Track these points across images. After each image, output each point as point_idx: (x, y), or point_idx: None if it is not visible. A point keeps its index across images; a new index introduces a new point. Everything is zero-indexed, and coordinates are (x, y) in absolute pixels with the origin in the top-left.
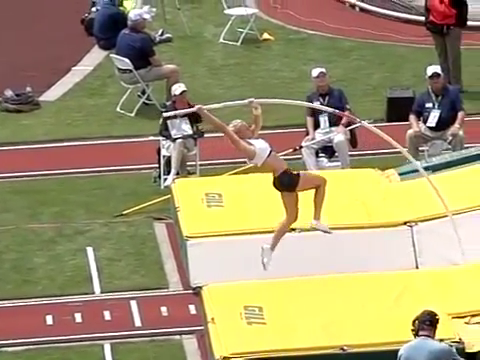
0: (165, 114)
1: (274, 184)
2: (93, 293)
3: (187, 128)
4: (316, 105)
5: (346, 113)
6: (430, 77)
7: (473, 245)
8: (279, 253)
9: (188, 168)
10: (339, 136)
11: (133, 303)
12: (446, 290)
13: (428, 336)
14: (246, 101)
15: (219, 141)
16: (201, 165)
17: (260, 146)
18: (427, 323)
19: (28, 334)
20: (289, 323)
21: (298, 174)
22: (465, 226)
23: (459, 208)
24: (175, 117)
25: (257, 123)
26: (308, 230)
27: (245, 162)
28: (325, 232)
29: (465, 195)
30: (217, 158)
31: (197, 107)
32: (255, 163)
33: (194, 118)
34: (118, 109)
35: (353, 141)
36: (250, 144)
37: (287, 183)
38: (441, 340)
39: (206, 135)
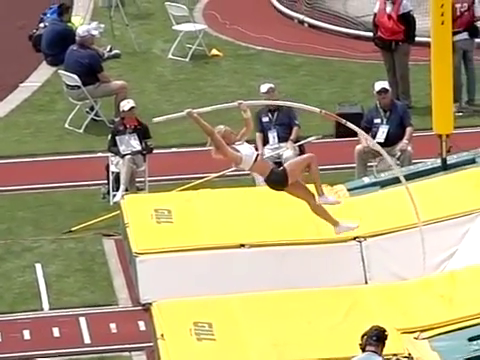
0: (155, 120)
1: (268, 186)
2: (42, 310)
3: (136, 144)
4: (311, 108)
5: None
6: (378, 92)
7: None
8: (229, 269)
9: (137, 184)
10: (288, 152)
11: (82, 320)
12: (395, 305)
13: (374, 352)
14: (235, 103)
15: (168, 157)
16: (150, 181)
17: (246, 152)
18: (374, 338)
19: None
20: (239, 339)
21: (284, 168)
22: (413, 240)
23: (408, 223)
24: (124, 133)
25: (247, 126)
26: (258, 246)
27: (194, 178)
28: (334, 203)
29: (412, 211)
30: (166, 174)
31: (187, 111)
32: (242, 168)
33: (143, 134)
34: (66, 125)
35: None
36: (236, 150)
37: (278, 181)
38: (393, 355)
39: (155, 151)
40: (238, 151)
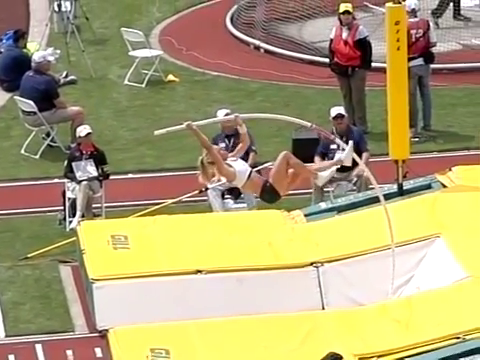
0: (156, 132)
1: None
2: None
3: (92, 170)
4: (302, 122)
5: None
6: (334, 118)
7: (380, 284)
8: (186, 295)
9: (94, 210)
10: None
11: (38, 347)
12: (352, 331)
13: None
14: (232, 116)
15: (125, 183)
16: (107, 207)
17: (239, 169)
18: None
19: None
20: None
21: (270, 184)
22: (370, 266)
23: (364, 249)
24: (80, 159)
25: (243, 141)
26: (215, 272)
27: (150, 204)
28: (332, 174)
29: (369, 235)
30: (123, 200)
31: (186, 123)
32: (235, 185)
33: (99, 160)
34: (23, 151)
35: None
36: (230, 166)
37: (271, 199)
38: None
39: (112, 177)
40: (232, 167)
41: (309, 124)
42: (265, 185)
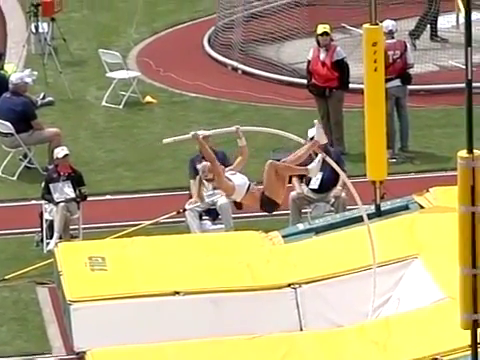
0: (165, 141)
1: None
2: None
3: (70, 191)
4: (297, 138)
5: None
6: (312, 139)
7: (359, 305)
8: (163, 317)
9: (71, 232)
10: (222, 199)
11: None
12: (330, 352)
13: None
14: (233, 128)
15: (102, 204)
16: (84, 229)
17: (238, 182)
18: None
19: None
20: None
21: (266, 196)
22: (348, 287)
23: (342, 270)
24: (58, 181)
25: (243, 154)
26: (192, 293)
27: (128, 226)
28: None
29: (347, 257)
30: (100, 221)
31: (192, 133)
32: (234, 199)
33: (77, 181)
34: (0, 173)
35: (237, 203)
36: (229, 180)
37: (270, 208)
38: None
39: (89, 198)
40: (231, 180)
41: (303, 141)
42: (262, 197)
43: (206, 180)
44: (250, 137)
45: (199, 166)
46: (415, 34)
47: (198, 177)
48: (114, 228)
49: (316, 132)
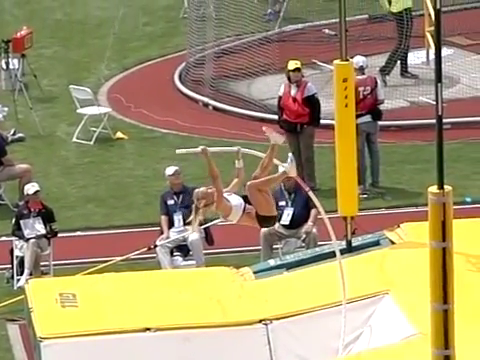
0: (178, 151)
1: None
2: None
3: (40, 228)
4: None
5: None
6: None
7: (330, 341)
8: (134, 353)
9: (42, 268)
10: (194, 235)
11: None
12: None
13: None
14: (235, 148)
15: (73, 240)
16: (55, 265)
17: (235, 203)
18: None
19: None
20: None
21: (260, 214)
22: (319, 323)
23: (313, 306)
24: (28, 217)
25: (239, 176)
26: (163, 329)
27: (99, 262)
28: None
29: (318, 293)
30: (71, 258)
31: (202, 148)
32: (230, 220)
33: (47, 217)
34: None
35: (208, 239)
36: (227, 201)
37: (269, 223)
38: None
39: (60, 234)
40: (229, 201)
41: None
42: (258, 217)
43: (203, 206)
44: (221, 173)
45: (194, 193)
46: (385, 70)
47: (193, 206)
48: (85, 264)
49: (289, 164)
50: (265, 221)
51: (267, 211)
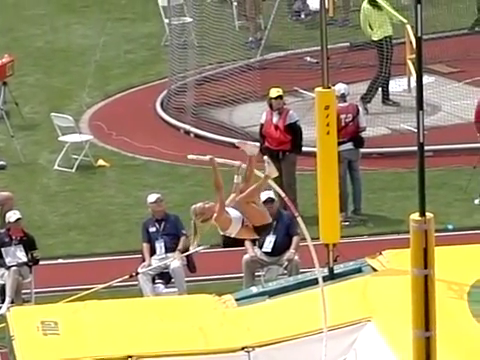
0: (190, 156)
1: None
2: None
3: (22, 255)
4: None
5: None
6: (264, 202)
7: None
8: None
9: (23, 296)
10: (175, 262)
11: None
12: None
13: None
14: (238, 162)
15: (55, 268)
16: (36, 293)
17: (234, 216)
18: None
19: None
20: None
21: (256, 226)
22: (301, 350)
23: (295, 333)
24: (10, 245)
25: (236, 192)
26: (145, 357)
27: (80, 290)
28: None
29: (301, 320)
30: (53, 285)
31: (210, 157)
32: (229, 233)
33: (29, 245)
34: None
35: (191, 266)
36: (227, 213)
37: (268, 230)
38: None
39: (41, 262)
40: (229, 213)
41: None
42: (255, 228)
43: (202, 221)
44: (201, 201)
45: (191, 209)
46: (366, 98)
47: (192, 222)
48: (66, 292)
49: (267, 167)
50: (261, 230)
51: (262, 220)
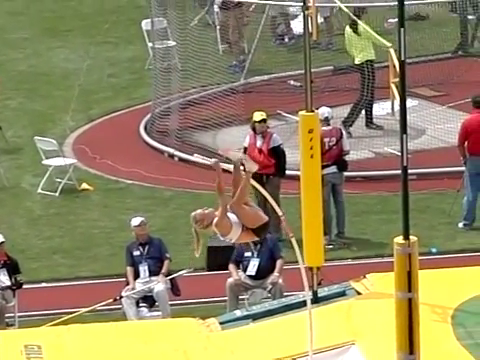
0: (196, 156)
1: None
2: None
3: (5, 279)
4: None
5: None
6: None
7: None
8: None
9: (7, 320)
10: (159, 285)
11: None
12: None
13: None
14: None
15: (38, 292)
16: (20, 316)
17: (235, 220)
18: None
19: None
20: None
21: (254, 227)
22: None
23: (279, 356)
24: None
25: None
26: None
27: (64, 313)
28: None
29: (285, 344)
30: (36, 309)
31: (214, 161)
32: (230, 239)
33: (12, 269)
34: None
35: (175, 290)
36: (228, 218)
37: (265, 231)
38: None
39: (25, 286)
40: (230, 219)
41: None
42: (254, 230)
43: (202, 228)
44: (185, 224)
45: (191, 216)
46: (347, 122)
47: (192, 230)
48: (50, 316)
49: (247, 164)
50: (261, 231)
51: (258, 221)
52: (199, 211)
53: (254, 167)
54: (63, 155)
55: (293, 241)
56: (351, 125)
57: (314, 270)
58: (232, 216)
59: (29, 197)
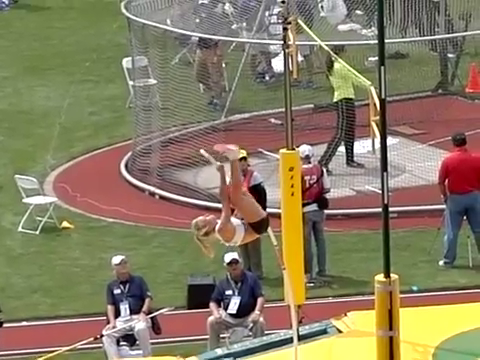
0: (202, 151)
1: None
2: None
3: None
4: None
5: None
6: (228, 264)
7: None
8: None
9: None
10: (140, 324)
11: None
12: None
13: None
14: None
15: (19, 331)
16: (0, 355)
17: (237, 223)
18: None
19: None
20: None
21: (252, 223)
22: None
23: None
24: None
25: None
26: None
27: (45, 352)
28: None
29: None
30: (17, 348)
31: (219, 164)
32: (234, 243)
33: None
34: None
35: (156, 328)
36: (230, 222)
37: (265, 226)
38: None
39: (5, 325)
40: (233, 223)
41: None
42: (253, 225)
43: (204, 235)
44: (166, 263)
45: (192, 223)
46: (323, 160)
47: (194, 237)
48: (31, 355)
49: (231, 153)
50: (261, 227)
51: (257, 214)
52: (200, 218)
53: (239, 154)
54: (44, 193)
55: (285, 273)
56: (327, 163)
57: (295, 308)
58: (234, 219)
59: (9, 235)
